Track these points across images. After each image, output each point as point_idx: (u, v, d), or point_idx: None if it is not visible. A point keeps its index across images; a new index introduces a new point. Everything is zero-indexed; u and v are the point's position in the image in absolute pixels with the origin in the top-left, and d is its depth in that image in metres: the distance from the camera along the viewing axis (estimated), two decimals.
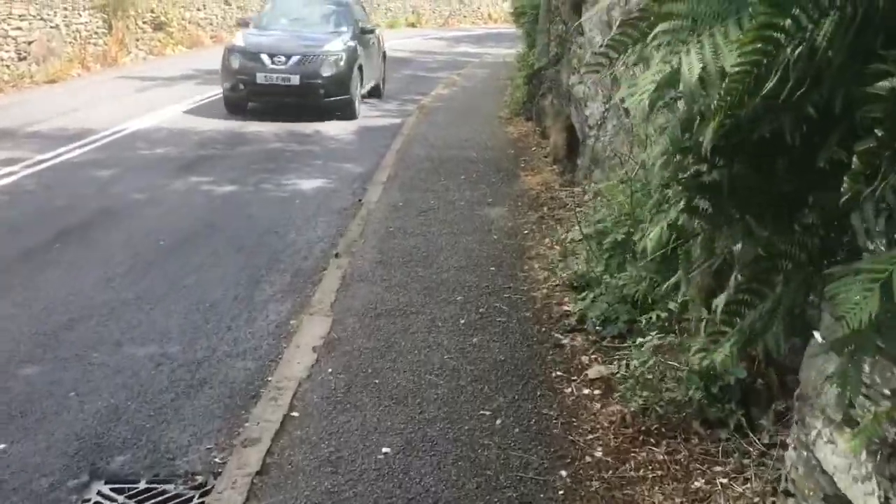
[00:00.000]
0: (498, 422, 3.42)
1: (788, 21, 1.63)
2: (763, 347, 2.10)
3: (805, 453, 2.16)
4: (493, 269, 5.31)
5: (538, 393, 3.67)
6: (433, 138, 10.16)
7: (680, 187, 2.36)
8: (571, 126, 7.82)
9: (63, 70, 14.45)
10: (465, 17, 39.67)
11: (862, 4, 1.63)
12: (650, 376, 3.32)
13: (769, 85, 1.67)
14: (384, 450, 3.20)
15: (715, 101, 1.71)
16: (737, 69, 1.64)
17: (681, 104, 2.17)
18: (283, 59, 10.94)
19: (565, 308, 4.55)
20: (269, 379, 3.86)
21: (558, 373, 3.86)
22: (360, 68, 11.70)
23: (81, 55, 15.31)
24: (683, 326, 3.59)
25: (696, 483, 2.93)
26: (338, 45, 11.46)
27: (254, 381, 3.89)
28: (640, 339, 3.83)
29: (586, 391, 3.66)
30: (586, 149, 7.23)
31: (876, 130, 1.63)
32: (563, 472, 3.06)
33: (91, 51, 15.73)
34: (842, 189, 1.69)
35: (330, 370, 3.87)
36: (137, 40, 17.46)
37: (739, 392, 3.16)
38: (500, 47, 21.77)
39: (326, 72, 11.03)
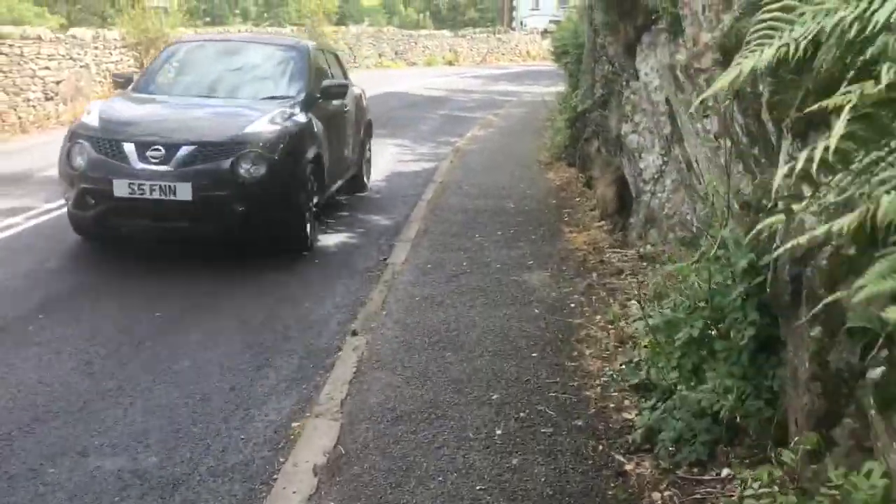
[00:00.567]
0: None
1: None
2: None
3: None
4: (534, 355, 4.49)
5: None
6: (468, 186, 9.46)
7: None
8: (622, 178, 7.02)
9: None
10: (503, 54, 39.44)
11: None
12: None
13: None
14: None
15: None
16: None
17: None
18: (160, 151, 5.88)
19: (625, 416, 3.71)
20: None
21: None
22: (318, 159, 6.74)
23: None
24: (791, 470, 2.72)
25: None
26: (270, 122, 6.31)
27: None
28: (726, 472, 3.04)
29: None
30: (640, 205, 6.42)
31: None
32: None
33: None
34: None
35: None
36: None
37: None
38: (538, 85, 21.18)
39: (246, 174, 5.93)
